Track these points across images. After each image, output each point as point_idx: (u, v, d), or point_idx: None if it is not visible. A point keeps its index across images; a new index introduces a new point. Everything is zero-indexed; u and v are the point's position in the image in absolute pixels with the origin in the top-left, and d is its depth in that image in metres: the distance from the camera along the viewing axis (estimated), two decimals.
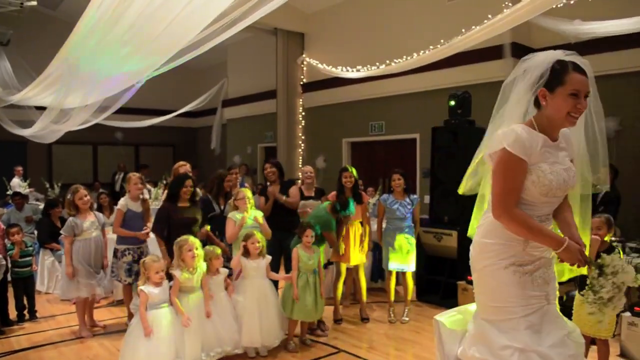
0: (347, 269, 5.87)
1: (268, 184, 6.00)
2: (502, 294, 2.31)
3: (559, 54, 2.25)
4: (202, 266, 4.43)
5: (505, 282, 2.30)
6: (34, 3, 9.16)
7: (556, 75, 2.19)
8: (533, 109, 2.35)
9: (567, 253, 2.20)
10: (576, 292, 3.95)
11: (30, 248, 5.98)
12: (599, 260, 2.28)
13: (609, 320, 3.88)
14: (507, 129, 2.28)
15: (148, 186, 10.49)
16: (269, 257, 4.83)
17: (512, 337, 2.26)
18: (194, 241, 4.39)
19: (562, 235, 2.28)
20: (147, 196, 5.86)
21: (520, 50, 7.38)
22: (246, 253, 4.74)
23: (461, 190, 2.77)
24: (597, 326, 3.82)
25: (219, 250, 4.65)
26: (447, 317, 2.55)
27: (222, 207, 5.66)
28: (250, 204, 5.20)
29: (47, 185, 11.30)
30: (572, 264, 2.23)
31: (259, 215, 5.25)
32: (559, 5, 5.37)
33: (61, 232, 5.34)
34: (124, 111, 9.80)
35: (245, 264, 4.69)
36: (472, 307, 2.60)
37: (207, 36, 5.26)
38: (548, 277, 2.35)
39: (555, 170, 2.24)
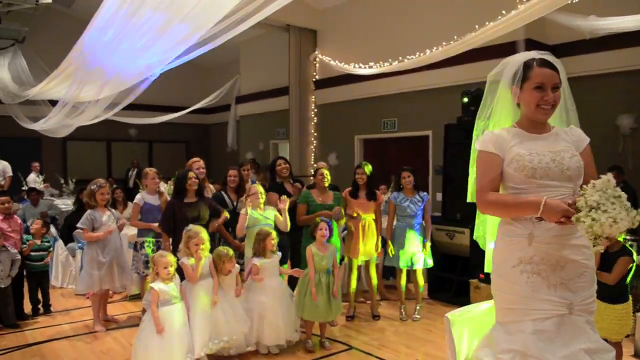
0: (358, 265, 5.87)
1: (279, 181, 6.00)
2: (511, 295, 2.27)
3: (532, 54, 2.36)
4: (207, 254, 4.48)
5: (513, 283, 2.26)
6: (49, 0, 9.22)
7: (524, 73, 2.31)
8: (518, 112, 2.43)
9: (548, 211, 2.09)
10: None
11: (47, 243, 6.05)
12: (580, 192, 2.07)
13: (621, 321, 3.83)
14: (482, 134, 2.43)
15: (162, 183, 10.56)
16: (278, 254, 4.85)
17: (517, 339, 2.20)
18: (204, 237, 4.43)
19: None
20: (163, 189, 5.93)
21: (534, 47, 7.30)
22: (262, 252, 4.73)
23: (470, 198, 2.72)
24: (608, 330, 3.79)
25: (231, 252, 4.65)
26: (458, 315, 2.53)
27: (234, 202, 5.68)
28: (263, 200, 5.21)
29: (62, 181, 11.43)
30: (560, 221, 2.09)
31: (272, 211, 5.26)
32: (574, 1, 5.32)
33: (78, 225, 5.40)
34: (137, 108, 9.86)
35: (262, 265, 4.69)
36: (484, 305, 2.59)
37: (220, 31, 5.28)
38: (574, 286, 2.21)
39: (535, 152, 2.25)
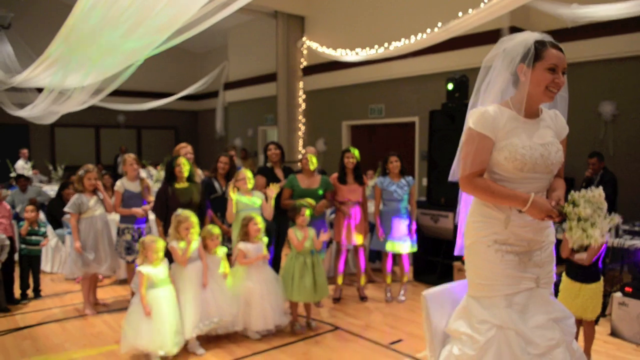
0: (347, 249, 5.98)
1: (269, 164, 6.07)
2: (485, 271, 2.37)
3: (537, 35, 2.32)
4: (197, 238, 4.54)
5: (488, 260, 2.36)
6: None
7: (536, 52, 2.26)
8: (512, 89, 2.41)
9: (535, 208, 2.20)
10: (563, 274, 4.04)
11: (43, 229, 6.09)
12: (568, 198, 2.20)
13: (593, 299, 3.96)
14: (475, 109, 2.40)
15: (150, 168, 10.61)
16: (265, 239, 4.93)
17: (492, 313, 2.32)
18: (194, 222, 4.49)
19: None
20: (144, 175, 5.96)
21: None
22: (246, 236, 4.80)
23: (452, 176, 2.72)
24: (583, 309, 3.93)
25: (216, 230, 4.70)
26: (435, 293, 2.64)
27: (223, 188, 5.75)
28: (251, 184, 5.27)
29: (51, 167, 11.43)
30: (543, 219, 2.22)
31: (260, 197, 5.34)
32: None
33: (65, 209, 5.46)
34: (126, 94, 9.87)
35: (248, 249, 4.76)
36: (459, 283, 2.69)
37: (205, 15, 5.29)
38: (540, 261, 2.38)
39: (528, 145, 2.27)
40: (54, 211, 7.51)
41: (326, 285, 5.06)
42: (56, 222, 7.44)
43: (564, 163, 2.45)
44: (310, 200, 5.23)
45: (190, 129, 17.89)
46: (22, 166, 11.26)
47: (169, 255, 4.47)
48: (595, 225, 2.11)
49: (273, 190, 5.28)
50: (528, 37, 2.31)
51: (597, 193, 2.16)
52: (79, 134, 15.61)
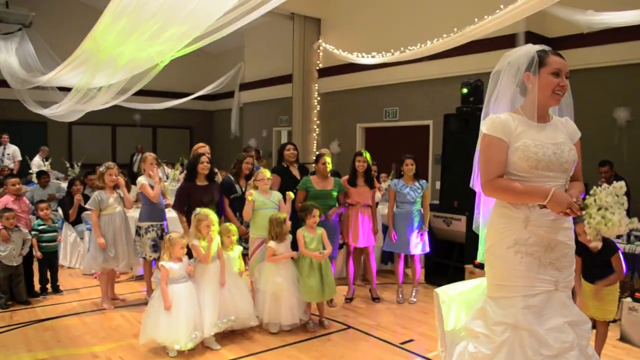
0: (358, 250, 6.06)
1: (285, 165, 6.16)
2: (504, 273, 2.43)
3: (538, 46, 2.48)
4: (217, 237, 4.63)
5: (507, 261, 2.42)
6: None
7: (539, 59, 2.41)
8: (520, 98, 2.53)
9: (555, 202, 2.26)
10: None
11: (56, 224, 6.23)
12: (590, 192, 2.26)
13: (614, 300, 4.01)
14: (487, 117, 2.52)
15: (165, 167, 10.74)
16: (290, 236, 5.02)
17: (508, 313, 2.38)
18: (214, 219, 4.59)
19: None
20: (161, 175, 6.06)
21: (534, 40, 7.41)
22: (277, 237, 4.87)
23: (472, 184, 2.85)
24: (602, 309, 3.98)
25: (232, 227, 4.80)
26: (447, 291, 2.72)
27: (243, 188, 5.83)
28: (269, 184, 5.33)
29: (68, 165, 11.60)
30: (564, 213, 2.28)
31: (277, 196, 5.40)
32: None
33: (86, 206, 5.57)
34: (142, 93, 9.98)
35: (279, 247, 4.85)
36: (470, 282, 2.77)
37: (227, 22, 5.41)
38: (560, 265, 2.42)
39: (540, 144, 2.37)
40: (64, 207, 7.67)
41: (334, 285, 5.12)
42: (67, 218, 7.58)
43: (581, 168, 2.54)
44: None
45: (206, 129, 18.05)
46: (38, 163, 11.40)
47: (189, 252, 4.57)
48: (615, 214, 2.15)
49: (291, 196, 5.36)
50: (530, 48, 2.48)
51: (619, 185, 2.21)
52: (95, 132, 15.79)
